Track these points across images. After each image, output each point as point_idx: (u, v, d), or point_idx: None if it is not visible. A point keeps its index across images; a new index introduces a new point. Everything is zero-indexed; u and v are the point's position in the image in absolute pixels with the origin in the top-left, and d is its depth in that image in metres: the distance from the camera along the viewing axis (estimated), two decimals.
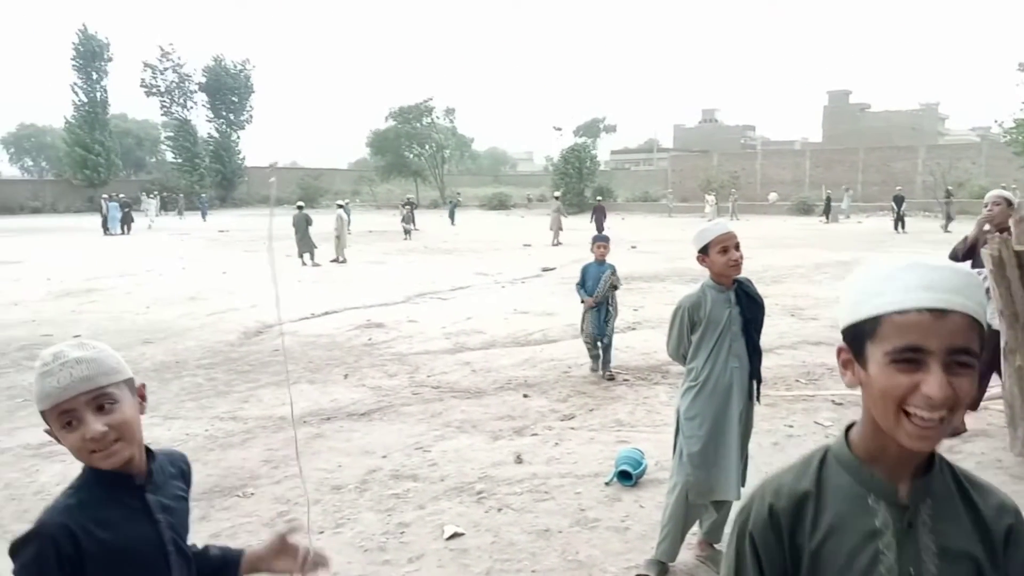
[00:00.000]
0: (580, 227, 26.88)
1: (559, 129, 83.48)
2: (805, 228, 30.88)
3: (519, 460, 5.18)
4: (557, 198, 29.84)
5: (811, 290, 12.94)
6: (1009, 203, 5.54)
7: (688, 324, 3.55)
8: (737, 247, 3.44)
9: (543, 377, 7.50)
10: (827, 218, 35.54)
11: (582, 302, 7.51)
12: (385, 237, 28.14)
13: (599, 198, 33.60)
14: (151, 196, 44.22)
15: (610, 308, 7.46)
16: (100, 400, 1.48)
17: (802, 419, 6.01)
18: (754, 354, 3.54)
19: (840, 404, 6.38)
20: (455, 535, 4.06)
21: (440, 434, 5.83)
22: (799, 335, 9.19)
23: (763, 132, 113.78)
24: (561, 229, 25.71)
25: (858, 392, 1.15)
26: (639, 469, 4.71)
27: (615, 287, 7.51)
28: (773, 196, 46.41)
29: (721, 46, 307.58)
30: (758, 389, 3.59)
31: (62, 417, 1.47)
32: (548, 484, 4.75)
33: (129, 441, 1.50)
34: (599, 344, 7.51)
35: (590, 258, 7.70)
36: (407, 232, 28.12)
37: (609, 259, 7.65)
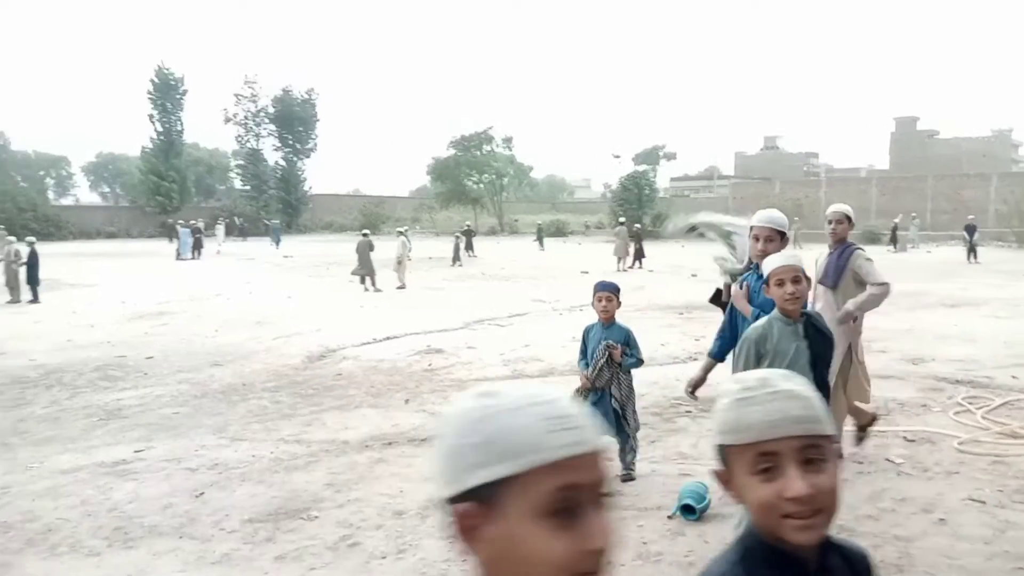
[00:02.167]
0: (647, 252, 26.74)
1: (618, 156, 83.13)
2: (872, 258, 30.06)
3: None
4: (622, 223, 29.59)
5: (879, 322, 12.54)
6: (850, 219, 5.82)
7: (754, 356, 3.50)
8: (796, 280, 3.39)
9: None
10: (895, 247, 34.59)
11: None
12: (444, 263, 28.44)
13: (636, 225, 31.75)
14: (221, 222, 46.02)
15: (613, 392, 5.14)
16: (810, 453, 1.16)
17: (872, 455, 5.82)
18: (821, 389, 3.46)
19: (912, 440, 6.18)
20: None
21: None
22: (868, 368, 8.93)
23: (827, 159, 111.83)
24: (628, 254, 25.60)
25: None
26: (703, 503, 4.63)
27: (619, 364, 5.12)
28: None
29: (784, 72, 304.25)
30: None
31: (760, 460, 1.16)
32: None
33: (829, 516, 1.18)
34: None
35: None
36: (456, 259, 28.42)
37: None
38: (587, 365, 5.25)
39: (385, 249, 22.92)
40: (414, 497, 5.11)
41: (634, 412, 5.32)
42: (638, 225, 31.66)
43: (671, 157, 73.83)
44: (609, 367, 5.10)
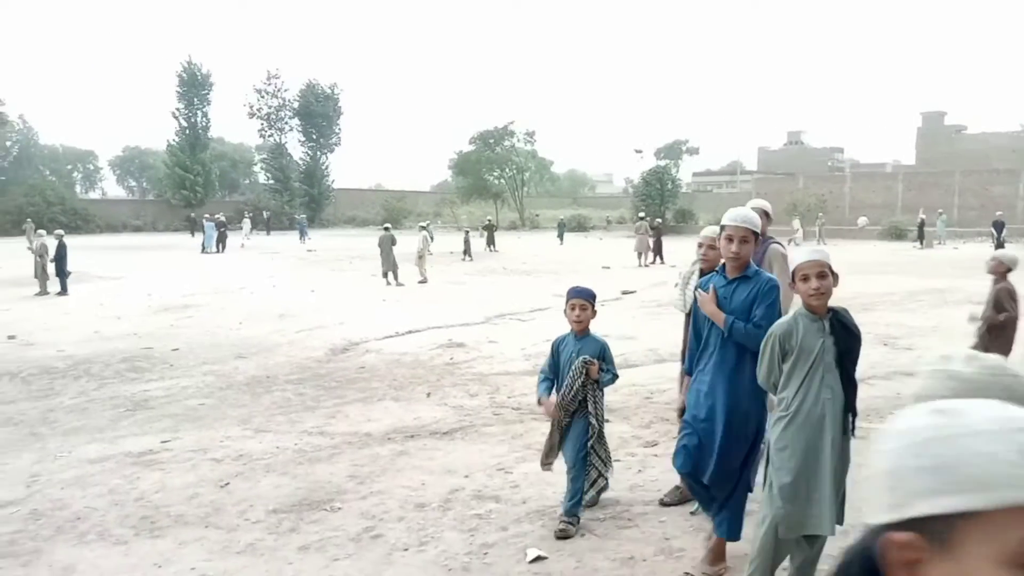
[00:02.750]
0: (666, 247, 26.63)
1: (640, 151, 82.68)
2: (897, 254, 29.74)
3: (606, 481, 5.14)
4: (642, 218, 29.50)
5: (905, 319, 12.45)
6: (767, 215, 5.26)
7: (779, 353, 3.47)
8: (821, 276, 3.35)
9: (624, 403, 7.43)
10: (921, 244, 34.14)
11: (539, 402, 4.68)
12: (473, 259, 28.48)
13: (657, 220, 31.32)
14: (246, 216, 46.58)
15: (591, 410, 4.46)
16: None
17: None
18: (849, 386, 3.43)
19: None
20: (538, 558, 4.06)
21: (521, 456, 5.85)
22: (893, 365, 8.85)
23: (852, 154, 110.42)
24: (650, 249, 25.52)
25: None
26: None
27: (595, 381, 4.46)
28: (863, 220, 44.86)
29: (808, 66, 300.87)
30: (853, 422, 3.47)
31: None
32: (631, 511, 4.70)
33: None
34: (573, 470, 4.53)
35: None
36: (466, 253, 28.44)
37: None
38: (550, 384, 4.55)
39: (407, 244, 22.99)
40: (436, 490, 5.13)
41: (604, 437, 4.61)
42: (659, 220, 31.50)
43: (694, 152, 73.34)
44: (583, 385, 4.42)
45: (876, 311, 13.09)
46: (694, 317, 4.03)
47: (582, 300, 4.55)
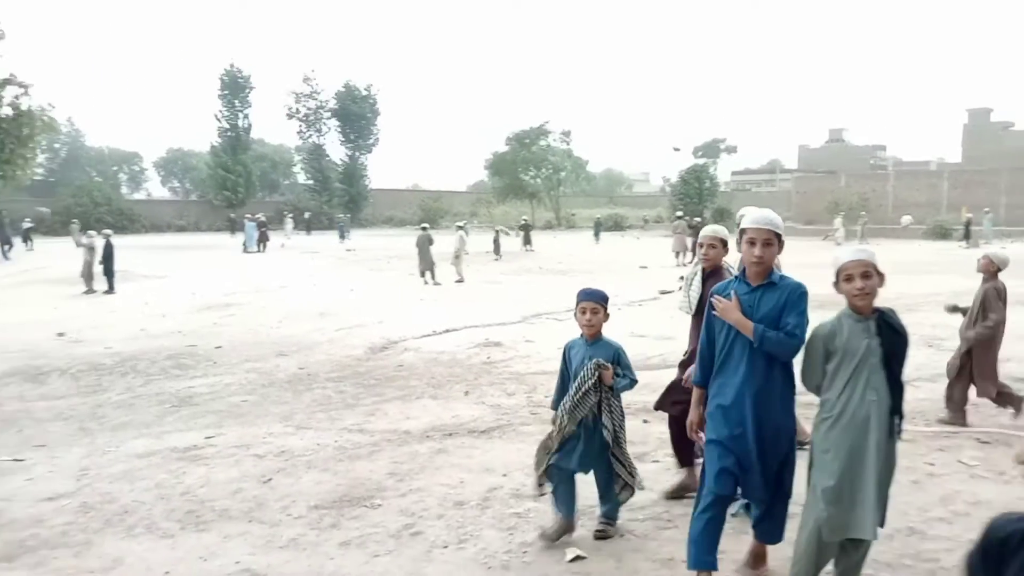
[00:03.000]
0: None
1: (678, 150, 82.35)
2: (943, 253, 29.09)
3: (641, 487, 5.12)
4: (680, 217, 29.31)
5: (950, 319, 12.15)
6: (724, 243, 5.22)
7: (823, 354, 3.43)
8: (866, 275, 3.30)
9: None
10: (967, 243, 33.36)
11: (553, 408, 4.43)
12: (502, 257, 28.53)
13: (696, 219, 30.99)
14: (289, 216, 47.45)
15: (604, 421, 4.18)
16: None
17: (944, 457, 5.65)
18: (895, 388, 3.37)
19: (986, 442, 5.97)
20: (577, 558, 4.06)
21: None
22: (938, 367, 8.64)
23: (895, 152, 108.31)
24: (687, 248, 25.37)
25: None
26: None
27: (609, 387, 4.16)
28: (907, 219, 43.97)
29: (850, 62, 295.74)
30: (899, 425, 3.42)
31: None
32: (671, 512, 4.67)
33: None
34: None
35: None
36: (496, 252, 28.43)
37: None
38: (564, 393, 4.27)
39: (445, 243, 23.12)
40: (475, 488, 5.16)
41: (625, 448, 4.32)
42: (698, 219, 31.23)
43: (732, 150, 72.70)
44: (596, 391, 4.12)
45: (921, 312, 12.82)
46: (707, 326, 3.65)
47: (593, 303, 4.23)
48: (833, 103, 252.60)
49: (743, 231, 3.50)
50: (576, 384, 4.12)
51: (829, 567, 3.62)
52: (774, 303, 3.45)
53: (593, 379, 4.10)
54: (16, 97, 33.57)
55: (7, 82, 33.30)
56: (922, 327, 11.03)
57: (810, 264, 10.40)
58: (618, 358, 4.23)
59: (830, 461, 3.35)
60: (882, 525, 3.35)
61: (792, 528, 3.67)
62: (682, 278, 5.06)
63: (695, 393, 3.77)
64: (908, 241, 38.00)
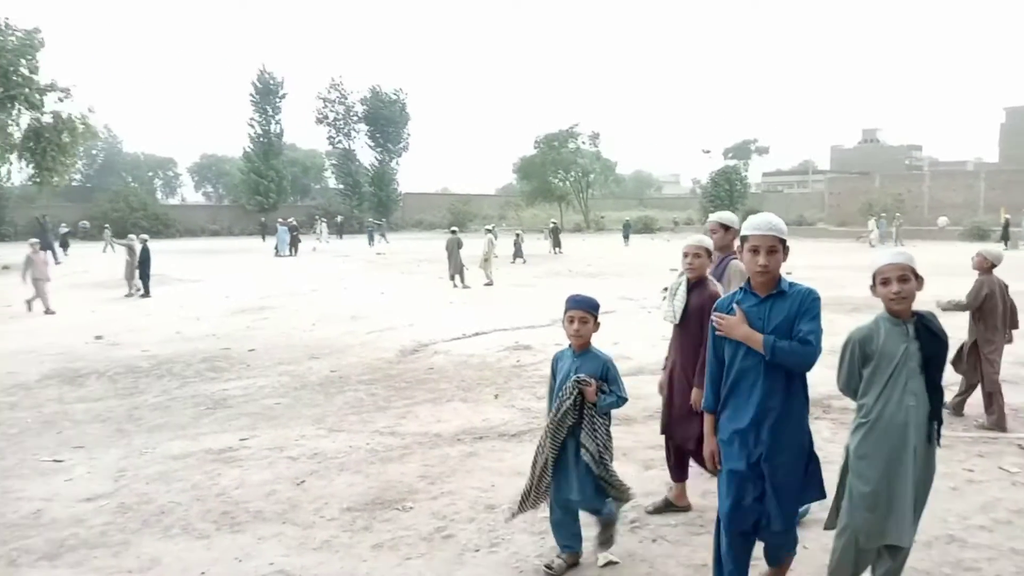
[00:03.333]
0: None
1: (708, 151, 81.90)
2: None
3: (632, 496, 5.08)
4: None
5: None
6: (726, 228, 5.29)
7: (859, 358, 3.37)
8: (903, 279, 3.24)
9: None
10: (1006, 244, 32.67)
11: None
12: (530, 261, 28.54)
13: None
14: (322, 220, 48.17)
15: (584, 442, 3.80)
16: None
17: (983, 463, 5.54)
18: (934, 393, 3.31)
19: None
20: (609, 563, 4.04)
21: None
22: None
23: (930, 152, 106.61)
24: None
25: None
26: (801, 508, 4.49)
27: (592, 404, 3.82)
28: (943, 220, 43.24)
29: (885, 61, 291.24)
30: (938, 430, 3.35)
31: None
32: (704, 518, 4.63)
33: None
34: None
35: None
36: (517, 255, 28.35)
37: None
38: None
39: (474, 247, 23.18)
40: (506, 492, 5.15)
41: (611, 467, 3.92)
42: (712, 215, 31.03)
43: (763, 151, 72.04)
44: (577, 408, 3.80)
45: (958, 315, 12.57)
46: (713, 346, 3.40)
47: (582, 311, 3.89)
48: (867, 103, 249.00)
49: (744, 239, 3.27)
50: (557, 403, 3.82)
51: (866, 574, 3.57)
52: (786, 313, 3.20)
53: (572, 398, 3.77)
54: (59, 100, 34.32)
55: (48, 89, 34.06)
56: (960, 331, 10.81)
57: (844, 266, 10.23)
58: (606, 372, 3.87)
59: (867, 467, 3.30)
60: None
61: (811, 532, 3.62)
62: (666, 288, 4.96)
63: (707, 420, 3.43)
64: (945, 243, 37.30)
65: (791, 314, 3.19)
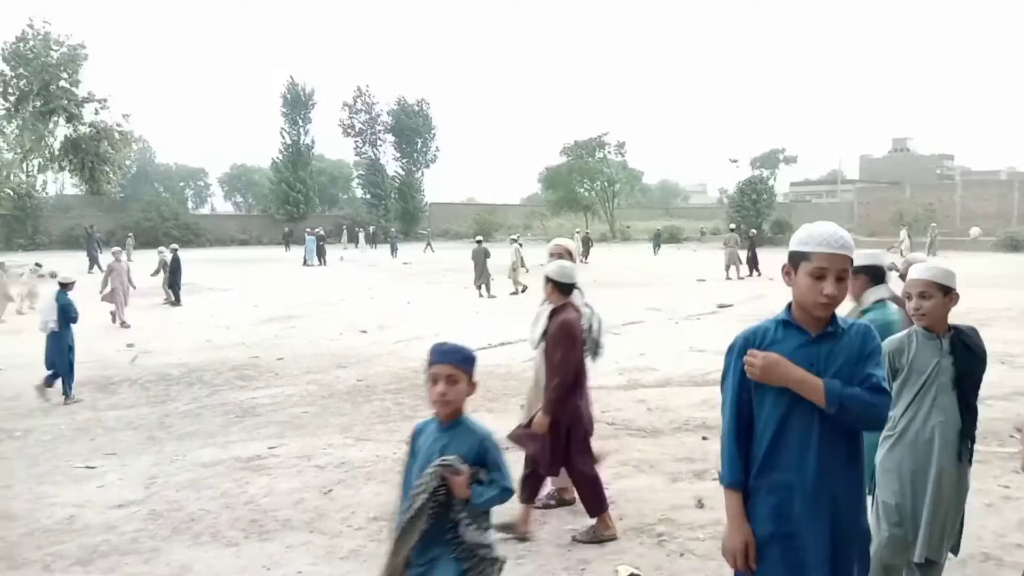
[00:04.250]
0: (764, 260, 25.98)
1: (735, 161, 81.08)
2: (1016, 266, 28.02)
3: (700, 504, 5.05)
4: (732, 230, 29.05)
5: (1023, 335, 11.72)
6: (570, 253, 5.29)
7: (888, 371, 3.33)
8: (923, 296, 3.20)
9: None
10: None
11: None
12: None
13: (752, 231, 30.38)
14: (360, 231, 48.92)
15: (461, 561, 2.63)
16: None
17: (1020, 479, 5.42)
18: (966, 410, 3.25)
19: None
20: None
21: (617, 472, 5.80)
22: (1012, 385, 8.34)
23: (962, 161, 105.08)
24: (740, 263, 24.97)
25: None
26: None
27: (464, 501, 2.62)
28: (975, 231, 42.56)
29: (915, 68, 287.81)
30: (969, 449, 3.28)
31: None
32: None
33: None
34: None
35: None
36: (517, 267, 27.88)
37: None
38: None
39: (500, 256, 23.23)
40: None
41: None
42: (754, 231, 30.74)
43: (791, 161, 71.49)
44: (439, 505, 2.59)
45: (993, 327, 12.37)
46: (735, 396, 2.49)
47: (449, 367, 2.70)
48: (897, 111, 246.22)
49: (803, 256, 2.37)
50: (408, 500, 2.64)
51: None
52: (846, 356, 2.37)
53: (429, 492, 2.57)
54: (96, 112, 35.11)
55: (86, 100, 34.83)
56: (994, 343, 10.59)
57: None
58: (483, 453, 2.66)
59: (892, 481, 3.27)
60: (956, 553, 3.23)
61: None
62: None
63: (732, 501, 2.46)
64: (978, 253, 36.70)
65: (852, 357, 2.38)
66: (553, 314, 4.63)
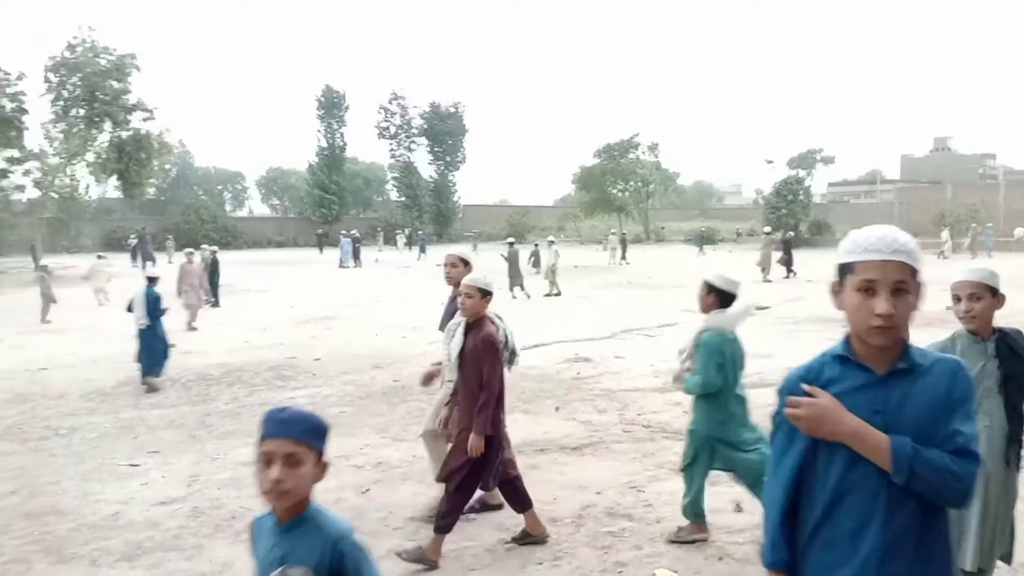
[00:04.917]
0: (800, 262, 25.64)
1: (771, 162, 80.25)
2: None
3: (739, 509, 5.01)
4: (768, 233, 28.79)
5: None
6: (465, 262, 5.12)
7: None
8: (973, 297, 3.13)
9: (760, 423, 7.18)
10: None
11: None
12: (590, 272, 28.43)
13: (789, 233, 30.25)
14: (403, 232, 49.31)
15: None
16: None
17: None
18: (1013, 414, 3.18)
19: None
20: None
21: (653, 475, 5.78)
22: None
23: (1005, 160, 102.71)
24: (771, 265, 24.70)
25: None
26: None
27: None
28: (1019, 231, 41.52)
29: (957, 66, 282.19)
30: (1017, 454, 3.21)
31: None
32: None
33: None
34: None
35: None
36: (535, 263, 27.90)
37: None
38: None
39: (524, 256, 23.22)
40: (568, 505, 5.15)
41: None
42: (791, 233, 30.41)
43: (829, 161, 70.38)
44: None
45: None
46: (779, 452, 1.96)
47: (289, 443, 1.98)
48: (938, 110, 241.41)
49: (849, 268, 1.85)
50: None
51: None
52: (925, 405, 1.80)
53: None
54: (144, 120, 36.06)
55: (135, 108, 35.71)
56: None
57: None
58: (339, 560, 1.97)
59: None
60: (1009, 562, 3.16)
61: None
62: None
63: None
64: (1023, 254, 35.80)
65: (935, 406, 1.80)
66: (469, 328, 4.47)
